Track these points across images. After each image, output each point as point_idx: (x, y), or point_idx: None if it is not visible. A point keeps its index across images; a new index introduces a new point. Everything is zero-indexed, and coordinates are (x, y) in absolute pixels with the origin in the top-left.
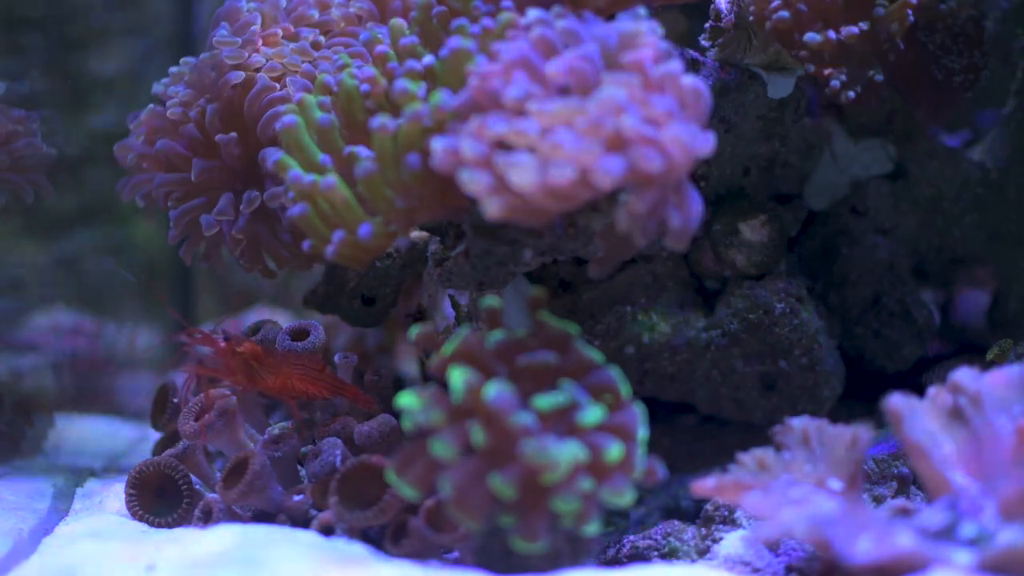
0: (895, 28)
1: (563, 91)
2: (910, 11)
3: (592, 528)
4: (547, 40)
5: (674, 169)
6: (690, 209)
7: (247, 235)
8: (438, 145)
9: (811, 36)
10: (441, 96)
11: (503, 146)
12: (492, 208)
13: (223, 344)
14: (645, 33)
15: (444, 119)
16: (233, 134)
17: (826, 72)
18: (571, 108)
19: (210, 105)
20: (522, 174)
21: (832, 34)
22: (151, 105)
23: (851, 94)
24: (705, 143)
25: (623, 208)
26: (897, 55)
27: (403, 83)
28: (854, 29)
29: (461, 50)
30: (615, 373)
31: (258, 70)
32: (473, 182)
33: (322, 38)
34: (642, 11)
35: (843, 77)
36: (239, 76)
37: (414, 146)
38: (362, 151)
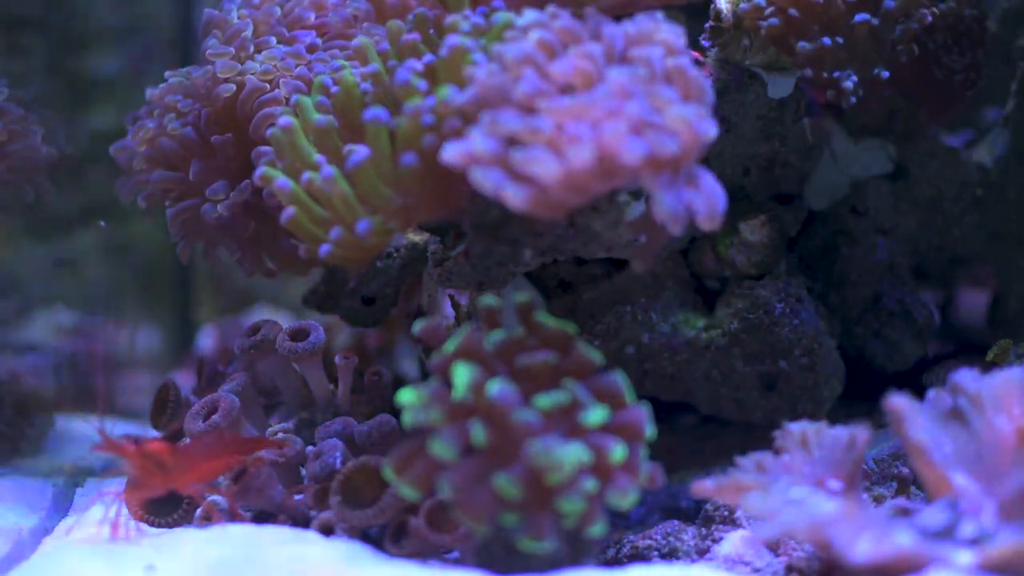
0: (910, 25)
1: (567, 90)
2: (925, 10)
3: (597, 529)
4: (547, 42)
5: (683, 151)
6: (709, 190)
7: (249, 238)
8: (450, 151)
9: (802, 45)
10: (448, 91)
11: (515, 143)
12: (515, 199)
13: (132, 449)
14: (661, 30)
15: (448, 114)
16: (229, 135)
17: (826, 76)
18: (584, 103)
19: (204, 110)
20: (543, 166)
21: (827, 40)
22: (149, 122)
23: (852, 99)
24: (709, 127)
25: (654, 201)
26: (907, 54)
27: (404, 74)
28: (865, 15)
29: (459, 48)
30: (618, 376)
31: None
32: (487, 179)
33: (319, 40)
34: (659, 14)
35: (852, 79)
36: (230, 89)
37: (412, 144)
38: (360, 149)
